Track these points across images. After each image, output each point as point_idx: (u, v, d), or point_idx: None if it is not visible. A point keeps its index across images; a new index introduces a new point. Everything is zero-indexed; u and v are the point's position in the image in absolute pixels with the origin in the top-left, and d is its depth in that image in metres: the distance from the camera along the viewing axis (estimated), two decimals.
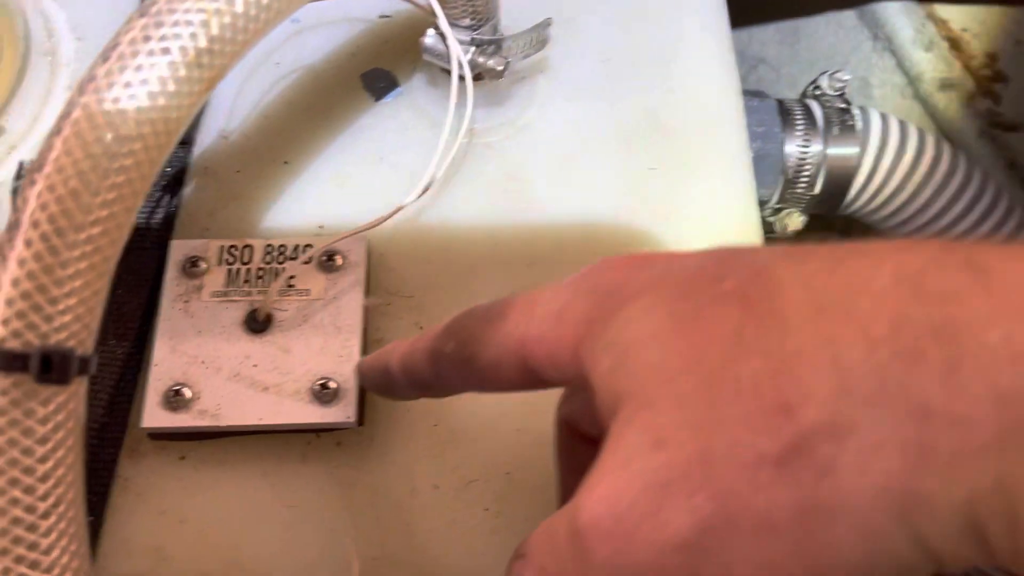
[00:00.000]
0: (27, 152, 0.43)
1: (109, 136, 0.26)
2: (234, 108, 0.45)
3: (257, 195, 0.43)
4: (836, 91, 0.53)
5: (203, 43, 0.27)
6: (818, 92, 0.54)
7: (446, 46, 0.39)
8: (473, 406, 0.38)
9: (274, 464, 0.37)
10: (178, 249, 0.40)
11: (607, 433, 0.20)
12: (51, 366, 0.25)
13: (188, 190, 0.43)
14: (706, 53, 0.46)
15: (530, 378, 0.23)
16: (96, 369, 0.28)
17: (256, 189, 0.43)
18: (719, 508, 0.17)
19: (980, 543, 0.16)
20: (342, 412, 0.36)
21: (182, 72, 0.27)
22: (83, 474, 0.27)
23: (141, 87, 0.26)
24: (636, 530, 0.18)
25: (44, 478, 0.26)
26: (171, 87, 0.27)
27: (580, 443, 0.26)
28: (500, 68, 0.39)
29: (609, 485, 0.19)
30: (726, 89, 0.45)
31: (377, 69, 0.45)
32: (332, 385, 0.37)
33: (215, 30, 0.27)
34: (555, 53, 0.45)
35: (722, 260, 0.20)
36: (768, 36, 0.70)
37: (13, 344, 0.25)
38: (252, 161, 0.43)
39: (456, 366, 0.25)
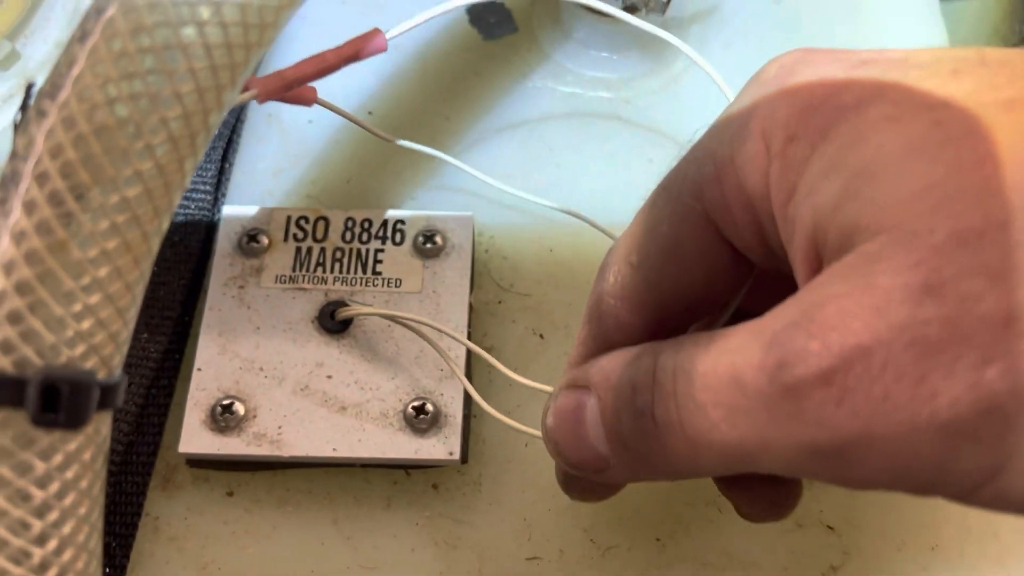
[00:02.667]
0: None
1: (159, 46, 0.17)
2: (305, 39, 0.35)
3: (334, 153, 0.33)
4: None
5: None
6: None
7: None
8: None
9: (350, 509, 0.28)
10: (233, 218, 0.31)
11: (826, 267, 0.16)
12: (58, 400, 0.16)
13: (246, 141, 0.34)
14: (906, 5, 0.36)
15: (714, 242, 0.19)
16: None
17: (333, 144, 0.34)
18: (1018, 388, 0.13)
19: None
20: (443, 446, 0.27)
21: None
22: (100, 553, 0.18)
23: None
24: (886, 396, 0.14)
25: (42, 568, 0.17)
26: None
27: (711, 243, 0.19)
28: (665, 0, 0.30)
29: (849, 332, 0.14)
30: (930, 37, 0.35)
31: (487, 0, 0.36)
32: (430, 408, 0.28)
33: None
34: None
35: (982, 62, 0.16)
36: None
37: (3, 363, 0.16)
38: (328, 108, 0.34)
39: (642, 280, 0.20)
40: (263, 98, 0.23)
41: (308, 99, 0.26)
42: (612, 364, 0.19)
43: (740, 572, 0.27)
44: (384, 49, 0.26)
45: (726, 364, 0.16)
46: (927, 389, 0.14)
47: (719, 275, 0.20)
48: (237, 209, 0.31)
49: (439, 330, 0.28)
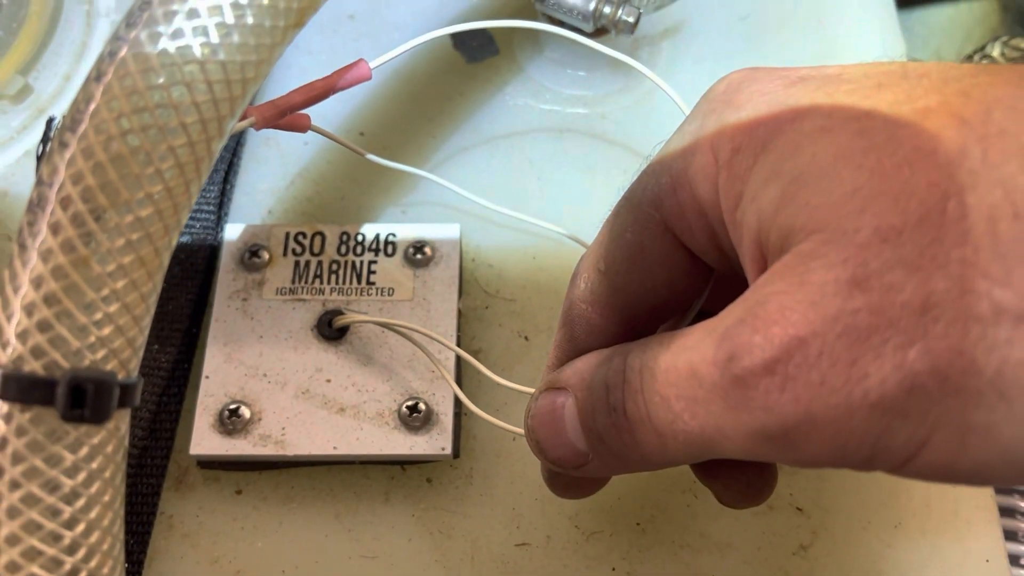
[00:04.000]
0: (57, 117, 0.37)
1: (166, 83, 0.19)
2: (302, 68, 0.37)
3: (328, 172, 0.36)
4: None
5: None
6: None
7: None
8: None
9: (350, 503, 0.30)
10: (235, 235, 0.33)
11: (769, 267, 0.17)
12: (84, 398, 0.18)
13: (246, 163, 0.36)
14: (867, 14, 0.38)
15: (674, 247, 0.21)
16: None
17: (327, 164, 0.36)
18: (935, 365, 0.15)
19: None
20: (436, 442, 0.29)
21: (264, 0, 0.20)
22: (123, 537, 0.20)
23: (210, 18, 0.19)
24: (823, 381, 0.15)
25: (72, 549, 0.19)
26: (250, 19, 0.20)
27: (671, 249, 0.21)
28: (632, 20, 0.32)
29: (788, 324, 0.16)
30: (889, 48, 0.38)
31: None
32: (422, 408, 0.30)
33: None
34: (682, 7, 0.38)
35: (904, 75, 0.17)
36: None
37: (33, 366, 0.18)
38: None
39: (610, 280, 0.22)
40: (260, 125, 0.25)
41: (303, 126, 0.28)
42: (586, 365, 0.21)
43: (716, 553, 0.29)
44: (368, 77, 0.28)
45: (684, 360, 0.18)
46: (858, 372, 0.15)
47: (680, 278, 0.21)
48: (239, 227, 0.33)
49: (429, 336, 0.30)
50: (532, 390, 0.26)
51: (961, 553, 0.29)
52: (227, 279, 0.32)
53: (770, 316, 0.16)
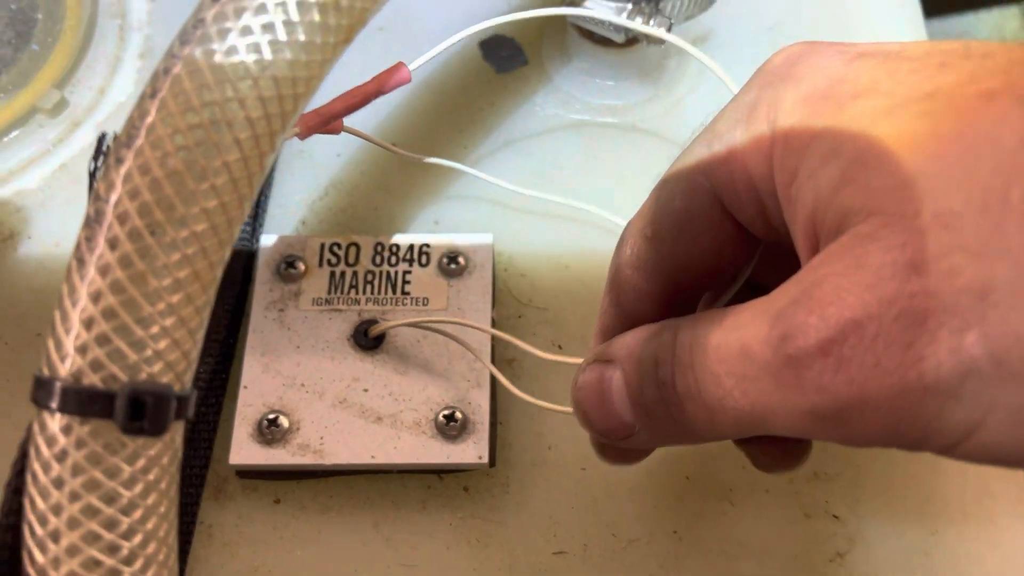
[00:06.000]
0: (93, 130, 0.37)
1: (220, 100, 0.19)
2: (333, 81, 0.38)
3: (361, 183, 0.36)
4: None
5: None
6: None
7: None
8: None
9: (388, 512, 0.30)
10: (271, 246, 0.33)
11: (824, 247, 0.17)
12: (143, 410, 0.19)
13: (279, 175, 0.36)
14: (895, 23, 0.38)
15: (722, 217, 0.21)
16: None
17: (360, 175, 0.36)
18: (993, 350, 0.15)
19: None
20: (472, 450, 0.30)
21: (315, 16, 0.20)
22: (177, 548, 0.21)
23: (263, 35, 0.20)
24: (878, 363, 0.15)
25: (130, 559, 0.19)
26: (301, 36, 0.20)
27: (719, 218, 0.21)
28: (662, 31, 0.32)
29: (844, 306, 0.16)
30: None
31: (499, 36, 0.38)
32: (459, 416, 0.30)
33: None
34: (711, 17, 0.38)
35: (967, 55, 0.17)
36: None
37: (92, 379, 0.19)
38: (355, 142, 0.36)
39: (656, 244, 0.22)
40: (304, 135, 0.26)
41: (336, 129, 0.29)
42: (635, 340, 0.21)
43: (753, 560, 0.29)
44: (408, 80, 0.28)
45: (736, 338, 0.18)
46: (914, 355, 0.15)
47: (726, 248, 0.21)
48: (274, 238, 0.33)
49: (463, 324, 0.30)
50: (578, 360, 0.26)
51: (999, 561, 0.29)
52: (263, 290, 0.32)
53: (826, 297, 0.16)
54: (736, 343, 0.18)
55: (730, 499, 0.30)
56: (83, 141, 0.37)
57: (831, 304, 0.16)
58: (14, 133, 0.37)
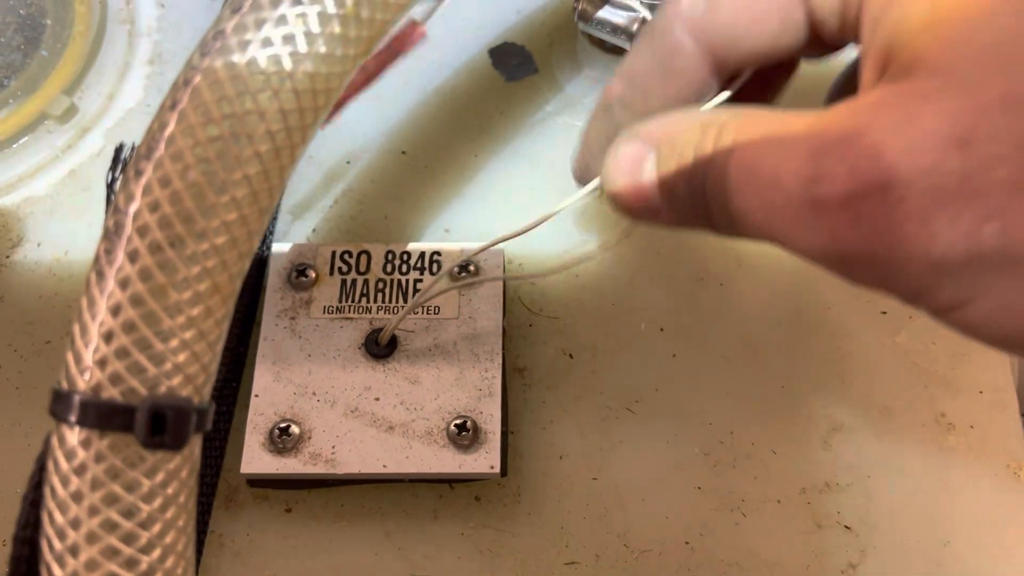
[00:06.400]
0: (102, 136, 0.37)
1: (242, 112, 0.19)
2: None
3: (372, 191, 0.36)
4: None
5: None
6: None
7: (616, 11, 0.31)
8: (641, 457, 0.31)
9: (400, 521, 0.30)
10: (282, 254, 0.33)
11: (878, 89, 0.17)
12: (163, 424, 0.19)
13: (290, 182, 0.36)
14: None
15: (800, 6, 0.20)
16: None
17: (370, 183, 0.36)
18: (1006, 246, 0.15)
19: None
20: (484, 460, 0.29)
21: (336, 29, 0.20)
22: (195, 561, 0.21)
23: (284, 46, 0.20)
24: (891, 229, 0.16)
25: (148, 574, 0.19)
26: (322, 48, 0.20)
27: (796, 3, 0.20)
28: None
29: (878, 165, 0.16)
30: None
31: (508, 44, 0.38)
32: (471, 426, 0.30)
33: None
34: None
35: None
36: None
37: (112, 393, 0.18)
38: (364, 149, 0.36)
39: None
40: (322, 124, 0.25)
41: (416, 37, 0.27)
42: (678, 127, 0.20)
43: (765, 571, 0.29)
44: (424, 35, 0.26)
45: (773, 162, 0.17)
46: (929, 230, 0.15)
47: (790, 33, 0.21)
48: (285, 246, 0.33)
49: (479, 280, 0.30)
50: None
51: (1009, 570, 0.29)
52: (275, 298, 0.32)
53: (864, 148, 0.16)
54: (771, 167, 0.17)
55: (742, 510, 0.30)
56: (92, 147, 0.37)
57: (865, 158, 0.16)
58: (23, 139, 0.36)
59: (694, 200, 0.19)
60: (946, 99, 0.15)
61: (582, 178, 0.25)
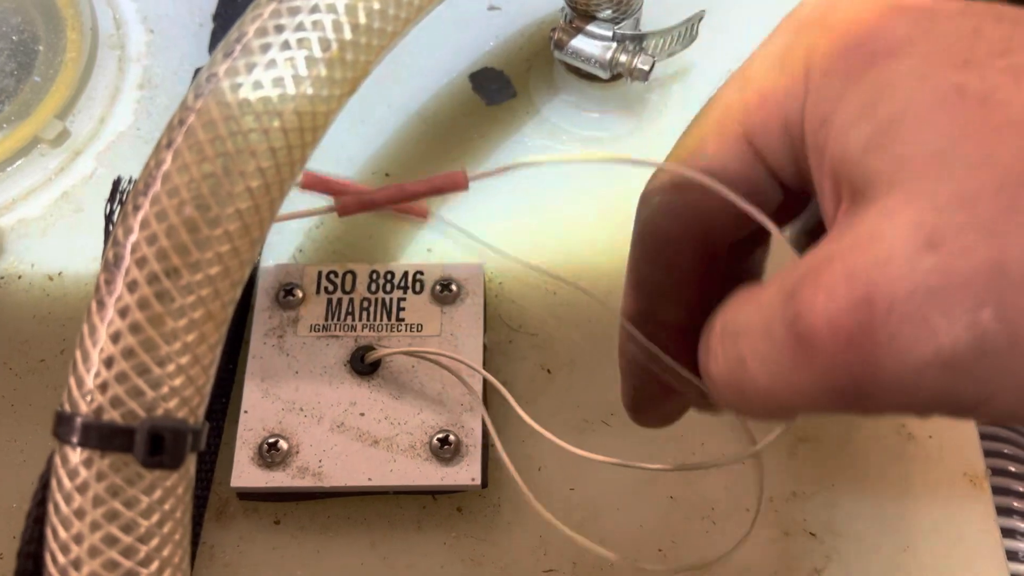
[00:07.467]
0: (93, 159, 0.38)
1: (234, 150, 0.20)
2: None
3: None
4: None
5: (348, 35, 0.22)
6: None
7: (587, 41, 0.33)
8: (616, 468, 0.32)
9: (385, 532, 0.31)
10: (269, 274, 0.34)
11: (838, 221, 0.17)
12: (162, 445, 0.20)
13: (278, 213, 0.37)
14: None
15: (754, 163, 0.20)
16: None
17: None
18: (1007, 328, 0.15)
19: None
20: (466, 472, 0.31)
21: (322, 71, 0.21)
22: (190, 572, 0.22)
23: (274, 88, 0.21)
24: (892, 339, 0.15)
25: None
26: (309, 89, 0.21)
27: (751, 164, 0.21)
28: (647, 68, 0.34)
29: (855, 283, 0.16)
30: None
31: (488, 69, 0.40)
32: (453, 439, 0.31)
33: (363, 18, 0.22)
34: (691, 52, 0.39)
35: (999, 19, 0.17)
36: None
37: (112, 415, 0.20)
38: (349, 172, 0.38)
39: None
40: (342, 213, 0.25)
41: (422, 212, 0.28)
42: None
43: None
44: (465, 188, 0.24)
45: (760, 319, 0.18)
46: (929, 330, 0.15)
47: (760, 193, 0.21)
48: (272, 266, 0.34)
49: (457, 360, 0.31)
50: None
51: (967, 573, 0.31)
52: (263, 317, 0.33)
53: (836, 274, 0.16)
54: (760, 323, 0.18)
55: (712, 518, 0.32)
56: (84, 170, 0.38)
57: (840, 281, 0.16)
58: (17, 162, 0.38)
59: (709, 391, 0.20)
60: (903, 211, 0.16)
61: (638, 414, 0.26)
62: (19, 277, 0.36)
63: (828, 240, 0.17)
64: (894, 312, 0.15)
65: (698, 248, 0.22)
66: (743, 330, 0.18)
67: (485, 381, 0.33)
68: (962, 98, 0.16)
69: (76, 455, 0.20)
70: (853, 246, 0.16)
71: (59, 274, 0.36)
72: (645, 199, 0.23)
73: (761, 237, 0.24)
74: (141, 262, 0.20)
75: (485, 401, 0.33)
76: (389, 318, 0.34)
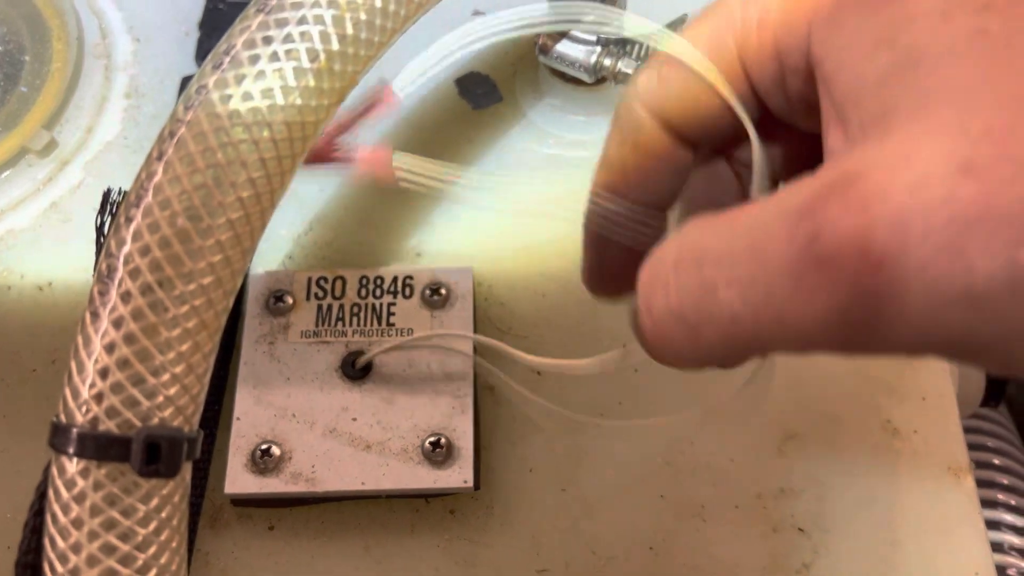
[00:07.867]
0: (81, 168, 0.38)
1: (225, 161, 0.21)
2: None
3: (345, 217, 0.37)
4: None
5: (335, 46, 0.22)
6: None
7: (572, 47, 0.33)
8: (608, 469, 0.33)
9: (378, 536, 0.32)
10: (260, 281, 0.34)
11: (862, 137, 0.16)
12: (158, 454, 0.20)
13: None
14: None
15: (741, 82, 0.20)
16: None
17: (344, 210, 0.37)
18: None
19: None
20: (458, 475, 0.31)
21: (311, 82, 0.22)
22: None
23: (263, 100, 0.21)
24: (924, 268, 0.14)
25: None
26: (297, 100, 0.22)
27: (739, 83, 0.20)
28: (630, 72, 0.34)
29: (890, 203, 0.14)
30: None
31: (474, 73, 0.40)
32: (444, 442, 0.31)
33: (350, 28, 0.22)
34: None
35: None
36: None
37: (108, 425, 0.20)
38: (337, 177, 0.38)
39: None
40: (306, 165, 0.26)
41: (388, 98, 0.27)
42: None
43: (724, 573, 0.31)
44: (393, 100, 0.26)
45: (745, 242, 0.16)
46: (964, 264, 0.14)
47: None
48: (262, 273, 0.35)
49: (447, 334, 0.32)
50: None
51: (953, 567, 0.31)
52: (253, 324, 0.34)
53: (868, 190, 0.15)
54: (744, 246, 0.16)
55: (702, 516, 0.32)
56: (72, 180, 0.38)
57: (874, 198, 0.14)
58: (5, 173, 0.38)
59: (644, 336, 0.19)
60: (937, 139, 0.15)
61: (594, 285, 0.25)
62: (9, 288, 0.36)
63: (848, 160, 0.16)
64: (929, 240, 0.14)
65: (666, 131, 0.21)
66: (713, 257, 0.17)
67: (476, 381, 0.33)
68: (988, 38, 0.16)
69: (73, 465, 0.20)
70: (887, 165, 0.15)
71: (49, 284, 0.36)
72: (632, 79, 0.22)
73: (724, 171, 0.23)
74: (134, 273, 0.20)
75: (476, 398, 0.33)
76: (379, 323, 0.34)
